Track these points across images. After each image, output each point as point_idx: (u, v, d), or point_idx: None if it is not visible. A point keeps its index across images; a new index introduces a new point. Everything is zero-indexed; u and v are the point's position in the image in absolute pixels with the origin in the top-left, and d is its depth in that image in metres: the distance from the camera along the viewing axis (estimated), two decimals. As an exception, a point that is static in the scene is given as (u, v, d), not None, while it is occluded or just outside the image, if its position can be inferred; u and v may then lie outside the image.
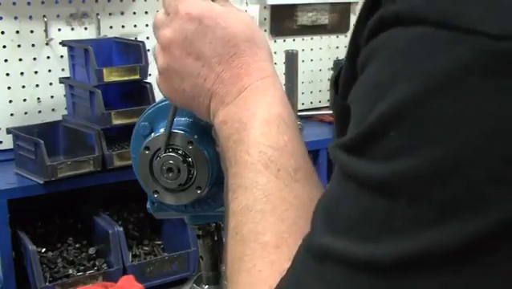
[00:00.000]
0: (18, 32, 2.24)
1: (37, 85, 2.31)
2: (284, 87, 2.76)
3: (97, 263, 2.12)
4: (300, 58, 2.65)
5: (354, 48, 0.49)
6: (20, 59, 2.26)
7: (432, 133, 0.38)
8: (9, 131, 2.10)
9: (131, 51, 2.21)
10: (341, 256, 0.41)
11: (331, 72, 2.79)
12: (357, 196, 0.41)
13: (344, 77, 0.53)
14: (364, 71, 0.44)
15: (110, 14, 2.39)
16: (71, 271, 2.08)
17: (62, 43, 2.21)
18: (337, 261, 0.41)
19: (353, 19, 2.97)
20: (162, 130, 0.72)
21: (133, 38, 2.39)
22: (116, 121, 2.04)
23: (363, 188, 0.41)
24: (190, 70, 0.64)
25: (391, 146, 0.40)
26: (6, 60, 2.24)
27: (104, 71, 2.04)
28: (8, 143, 2.19)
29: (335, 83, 0.56)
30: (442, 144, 0.38)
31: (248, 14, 0.68)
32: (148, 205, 0.78)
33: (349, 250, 0.41)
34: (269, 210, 0.54)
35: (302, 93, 2.84)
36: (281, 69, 2.73)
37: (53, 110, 2.34)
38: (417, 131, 0.39)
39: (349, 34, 3.10)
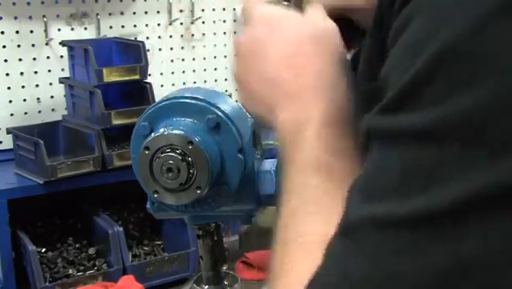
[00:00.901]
0: (17, 32, 2.24)
1: (37, 85, 2.31)
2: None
3: (97, 263, 2.12)
4: (300, 58, 2.65)
5: (378, 24, 0.50)
6: (20, 59, 2.26)
7: (478, 73, 0.38)
8: (9, 131, 2.10)
9: (131, 51, 2.21)
10: (380, 220, 0.40)
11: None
12: (398, 153, 0.41)
13: (368, 55, 0.53)
14: (398, 39, 0.43)
15: (110, 14, 2.39)
16: (71, 271, 2.08)
17: (62, 43, 2.21)
18: (377, 225, 0.40)
19: (353, 19, 2.96)
20: (162, 130, 0.72)
21: (133, 38, 2.39)
22: (116, 121, 2.04)
23: (404, 141, 0.40)
24: (257, 70, 0.64)
25: (437, 92, 0.39)
26: (5, 60, 2.24)
27: (104, 71, 2.04)
28: (8, 143, 2.19)
29: (354, 66, 0.56)
30: (490, 83, 0.37)
31: (326, 20, 0.67)
32: (148, 205, 0.78)
33: (390, 211, 0.40)
34: (317, 212, 0.54)
35: (302, 93, 2.84)
36: (281, 69, 2.73)
37: (53, 110, 2.34)
38: (465, 72, 0.38)
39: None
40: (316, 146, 0.57)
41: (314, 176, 0.56)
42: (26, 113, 2.30)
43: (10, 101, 2.27)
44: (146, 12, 2.46)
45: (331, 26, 0.65)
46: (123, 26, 2.43)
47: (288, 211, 0.56)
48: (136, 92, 2.17)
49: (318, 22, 0.65)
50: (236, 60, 0.67)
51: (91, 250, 2.15)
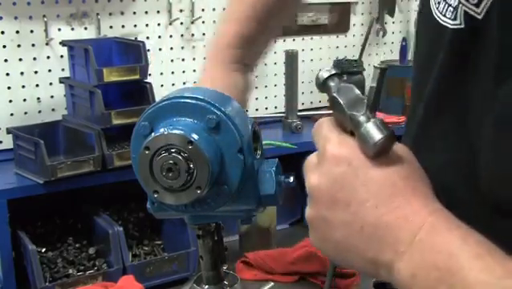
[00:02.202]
0: (18, 32, 2.24)
1: (37, 85, 2.31)
2: (284, 87, 2.77)
3: (97, 263, 2.12)
4: (300, 58, 2.65)
5: None
6: (20, 59, 2.26)
7: None
8: (9, 131, 2.10)
9: (131, 51, 2.21)
10: None
11: (331, 72, 2.79)
12: None
13: None
14: None
15: (110, 14, 2.39)
16: (70, 271, 2.08)
17: (63, 43, 2.21)
18: None
19: (353, 19, 2.97)
20: (162, 130, 0.71)
21: (133, 38, 2.39)
22: (116, 121, 2.04)
23: None
24: (342, 217, 0.57)
25: None
26: (6, 60, 2.24)
27: (104, 71, 2.04)
28: (8, 143, 2.19)
29: None
30: None
31: (403, 147, 0.61)
32: (148, 205, 0.79)
33: None
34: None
35: (302, 93, 2.84)
36: (281, 69, 2.73)
37: (53, 110, 2.34)
38: None
39: (349, 34, 3.09)
40: (488, 279, 0.49)
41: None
42: (26, 113, 2.30)
43: (10, 101, 2.27)
44: (146, 12, 2.46)
45: (407, 153, 0.59)
46: (123, 26, 2.43)
47: None
48: (136, 92, 2.17)
49: (395, 156, 0.58)
50: (313, 204, 0.60)
51: (91, 250, 2.15)
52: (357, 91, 0.62)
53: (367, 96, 0.64)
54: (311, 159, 0.63)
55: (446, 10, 0.64)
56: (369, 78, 2.92)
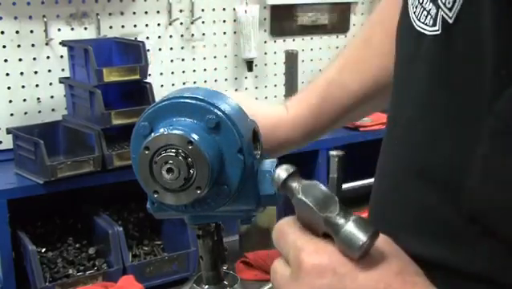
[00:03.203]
0: (17, 32, 2.24)
1: (37, 85, 2.31)
2: (284, 87, 2.77)
3: (97, 263, 2.12)
4: (300, 58, 2.65)
5: None
6: (20, 59, 2.26)
7: None
8: (9, 131, 2.10)
9: (131, 51, 2.21)
10: None
11: (331, 72, 2.79)
12: None
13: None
14: None
15: (110, 14, 2.39)
16: (70, 271, 2.08)
17: (62, 43, 2.21)
18: None
19: (353, 19, 2.97)
20: (162, 130, 0.71)
21: (133, 38, 2.39)
22: (116, 121, 2.05)
23: None
24: None
25: None
26: (5, 60, 2.24)
27: (104, 71, 2.05)
28: (8, 143, 2.19)
29: None
30: None
31: (383, 238, 0.54)
32: (148, 205, 0.78)
33: None
34: None
35: (302, 93, 2.84)
36: (281, 69, 2.73)
37: (53, 110, 2.34)
38: None
39: (349, 34, 3.08)
40: None
41: None
42: (26, 113, 2.30)
43: (10, 101, 2.27)
44: (146, 12, 2.46)
45: (389, 245, 0.53)
46: (123, 26, 2.43)
47: None
48: (136, 92, 2.17)
49: (380, 253, 0.53)
50: None
51: (91, 250, 2.15)
52: (323, 188, 0.55)
53: (331, 189, 0.54)
54: (281, 271, 0.56)
55: (426, 16, 0.60)
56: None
